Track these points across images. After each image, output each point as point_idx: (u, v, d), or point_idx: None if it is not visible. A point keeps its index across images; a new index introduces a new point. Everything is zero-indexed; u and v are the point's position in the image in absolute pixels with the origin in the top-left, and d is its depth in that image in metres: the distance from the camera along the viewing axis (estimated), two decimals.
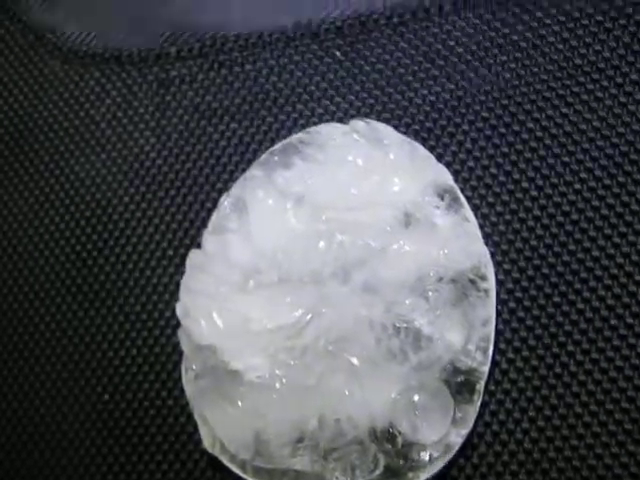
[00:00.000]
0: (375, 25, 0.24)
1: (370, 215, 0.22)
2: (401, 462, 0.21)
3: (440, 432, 0.21)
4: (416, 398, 0.21)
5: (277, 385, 0.21)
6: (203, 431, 0.23)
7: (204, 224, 0.24)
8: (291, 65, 0.25)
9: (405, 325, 0.21)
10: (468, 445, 0.22)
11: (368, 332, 0.21)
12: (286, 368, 0.21)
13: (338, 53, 0.25)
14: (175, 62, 0.26)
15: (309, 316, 0.21)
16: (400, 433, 0.21)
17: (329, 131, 0.23)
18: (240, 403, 0.21)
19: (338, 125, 0.23)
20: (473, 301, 0.21)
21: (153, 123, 0.26)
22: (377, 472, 0.21)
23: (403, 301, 0.21)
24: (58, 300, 0.25)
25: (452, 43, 0.24)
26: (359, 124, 0.23)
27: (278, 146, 0.24)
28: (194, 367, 0.22)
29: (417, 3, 0.24)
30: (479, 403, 0.21)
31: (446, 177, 0.22)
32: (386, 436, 0.21)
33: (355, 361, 0.21)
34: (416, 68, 0.24)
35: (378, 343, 0.21)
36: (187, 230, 0.25)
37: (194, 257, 0.23)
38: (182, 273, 0.23)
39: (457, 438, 0.21)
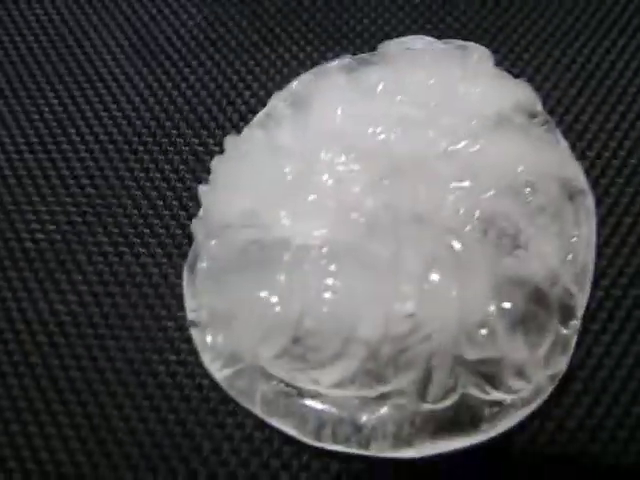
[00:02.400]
0: None
1: (458, 109, 0.18)
2: (481, 395, 0.16)
3: (537, 348, 0.16)
4: (519, 303, 0.16)
5: (338, 254, 0.16)
6: (214, 339, 0.17)
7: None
8: None
9: (499, 221, 0.17)
10: (556, 399, 0.17)
11: (455, 216, 0.17)
12: (354, 235, 0.16)
13: None
14: None
15: (383, 175, 0.17)
16: (492, 339, 0.15)
17: (409, 40, 0.21)
18: (282, 277, 0.16)
19: (422, 37, 0.21)
20: (573, 217, 0.18)
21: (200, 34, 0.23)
22: (451, 399, 0.15)
23: (499, 196, 0.17)
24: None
25: None
26: (450, 41, 0.21)
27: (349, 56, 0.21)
28: (213, 243, 0.17)
29: None
30: (575, 338, 0.17)
31: (539, 103, 0.20)
32: (474, 342, 0.15)
33: (450, 244, 0.16)
34: None
35: (472, 232, 0.16)
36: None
37: (231, 140, 0.19)
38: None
39: (548, 380, 0.16)
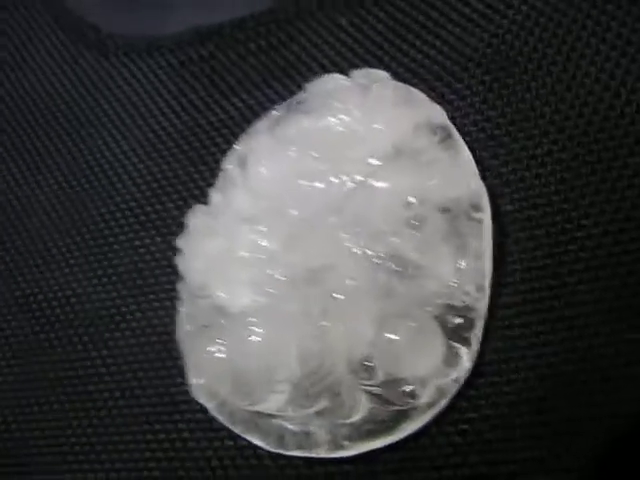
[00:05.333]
0: None
1: (356, 151, 0.21)
2: (385, 407, 0.20)
3: (425, 368, 0.19)
4: (401, 332, 0.19)
5: (257, 314, 0.20)
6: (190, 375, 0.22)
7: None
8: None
9: (391, 254, 0.20)
10: (464, 394, 0.20)
11: (351, 262, 0.20)
12: (267, 298, 0.20)
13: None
14: (196, 46, 0.27)
15: (285, 243, 0.20)
16: (380, 367, 0.19)
17: (324, 82, 0.23)
18: (220, 339, 0.21)
19: (336, 76, 0.23)
20: (466, 232, 0.20)
21: (173, 101, 0.27)
22: (358, 416, 0.20)
23: (390, 230, 0.20)
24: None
25: None
26: (357, 72, 0.23)
27: (282, 105, 0.24)
28: (184, 309, 0.22)
29: None
30: (477, 345, 0.20)
31: (441, 116, 0.22)
32: (366, 370, 0.19)
33: (335, 293, 0.20)
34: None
35: (362, 274, 0.20)
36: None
37: (197, 210, 0.23)
38: None
39: (451, 383, 0.20)
